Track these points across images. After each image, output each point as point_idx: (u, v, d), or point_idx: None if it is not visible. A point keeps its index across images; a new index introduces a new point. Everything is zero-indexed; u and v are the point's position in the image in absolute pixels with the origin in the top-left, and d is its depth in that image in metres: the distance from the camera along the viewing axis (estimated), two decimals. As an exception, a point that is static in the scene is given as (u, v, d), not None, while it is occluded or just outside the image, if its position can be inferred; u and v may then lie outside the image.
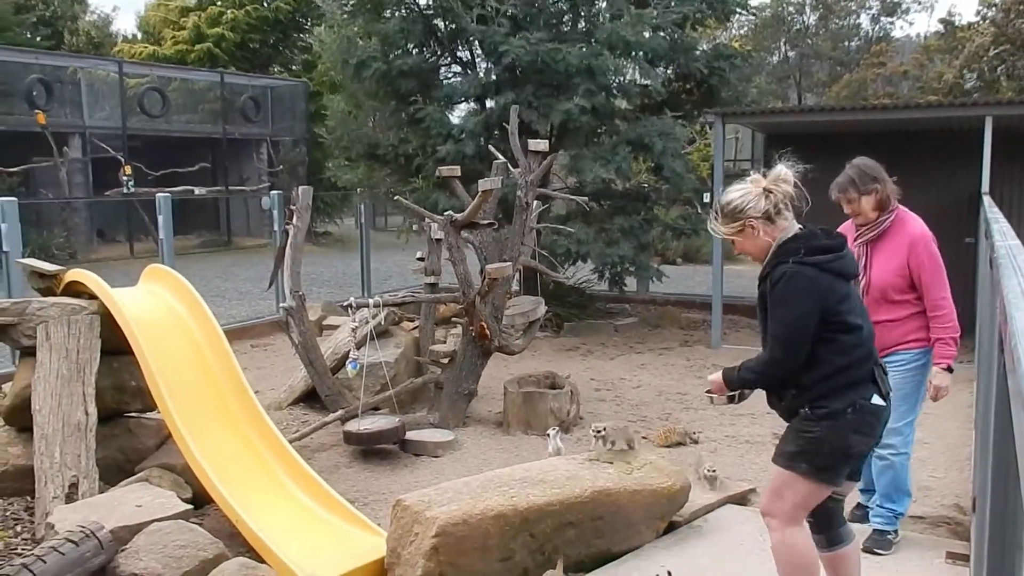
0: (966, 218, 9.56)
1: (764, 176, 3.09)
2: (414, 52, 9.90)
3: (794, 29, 32.11)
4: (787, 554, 3.08)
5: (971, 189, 9.25)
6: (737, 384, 3.17)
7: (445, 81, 10.35)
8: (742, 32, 31.03)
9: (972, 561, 3.65)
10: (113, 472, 4.77)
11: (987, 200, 6.77)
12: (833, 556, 3.24)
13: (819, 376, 2.95)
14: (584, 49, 8.82)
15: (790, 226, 3.05)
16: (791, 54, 32.98)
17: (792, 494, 3.02)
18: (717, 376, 3.24)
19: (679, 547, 4.11)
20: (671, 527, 4.31)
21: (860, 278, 3.94)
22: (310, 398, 6.72)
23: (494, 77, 9.26)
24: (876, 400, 2.97)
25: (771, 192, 3.03)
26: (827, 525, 3.21)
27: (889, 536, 4.13)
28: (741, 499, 4.82)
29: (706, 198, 12.38)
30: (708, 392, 3.29)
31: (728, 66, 10.23)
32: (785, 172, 3.07)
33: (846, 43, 32.80)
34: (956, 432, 6.21)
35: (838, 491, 3.15)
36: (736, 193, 3.08)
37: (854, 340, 2.96)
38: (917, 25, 66.30)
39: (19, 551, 4.08)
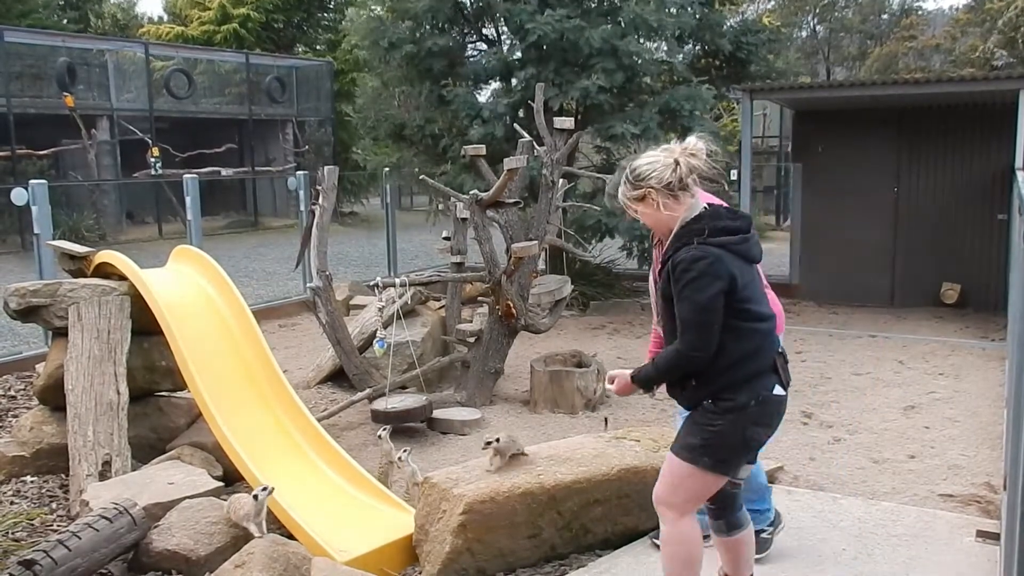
0: (999, 194, 9.42)
1: (677, 146, 2.90)
2: (444, 29, 9.85)
3: (822, 3, 31.62)
4: (679, 547, 2.96)
5: (1004, 164, 9.10)
6: (653, 383, 2.99)
7: (471, 59, 10.30)
8: (769, 6, 30.63)
9: (1003, 540, 3.62)
10: (145, 450, 4.84)
11: (1021, 176, 6.66)
12: (732, 541, 3.17)
13: (722, 366, 2.80)
14: (608, 28, 8.74)
15: (696, 204, 2.86)
16: (819, 28, 32.51)
17: (690, 486, 2.91)
18: (623, 377, 3.02)
19: (706, 525, 4.11)
20: (698, 505, 4.30)
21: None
22: (338, 377, 6.77)
23: (518, 54, 9.22)
24: (778, 391, 2.87)
25: (679, 164, 2.83)
26: (725, 511, 3.13)
27: (764, 535, 3.76)
28: (769, 477, 4.78)
29: (733, 175, 12.28)
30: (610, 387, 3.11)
31: (757, 40, 10.12)
32: (696, 144, 2.88)
33: (875, 17, 32.26)
34: (987, 410, 6.14)
35: (742, 476, 3.06)
36: (645, 159, 2.90)
37: (758, 328, 2.83)
38: (949, -3, 64.86)
39: (55, 527, 4.16)
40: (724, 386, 2.82)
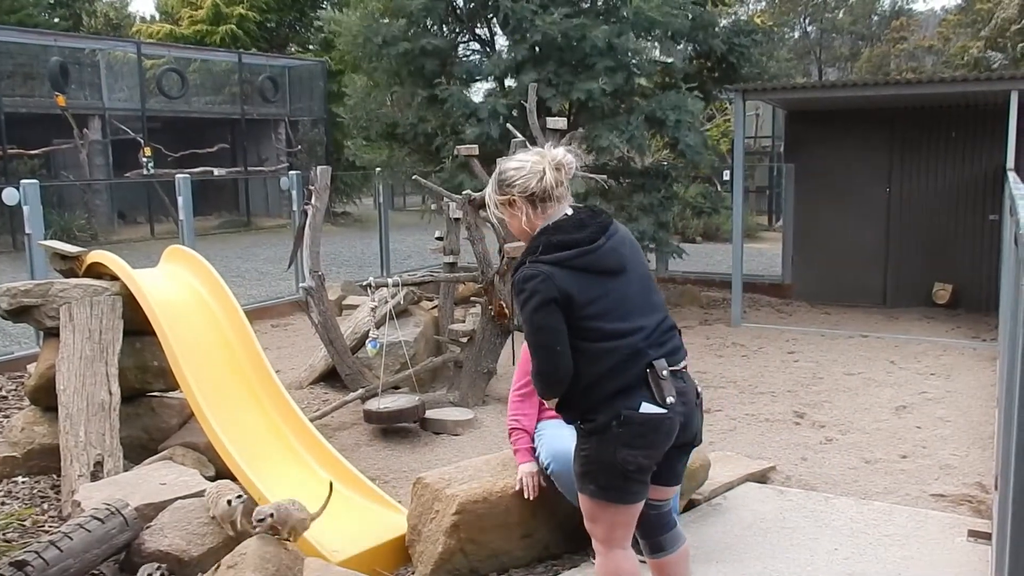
0: (990, 195, 9.46)
1: (552, 152, 2.80)
2: (435, 30, 9.83)
3: (813, 3, 31.70)
4: None
5: (996, 165, 9.14)
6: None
7: (464, 58, 10.28)
8: (760, 7, 30.70)
9: (994, 539, 3.63)
10: (137, 451, 4.83)
11: (1012, 176, 6.69)
12: (657, 563, 3.02)
13: (580, 387, 2.66)
14: (608, 27, 8.74)
15: (556, 214, 2.76)
16: (811, 29, 32.60)
17: (600, 516, 2.78)
18: None
19: (698, 524, 4.12)
20: (691, 505, 4.31)
21: None
22: (330, 377, 6.76)
23: (516, 56, 9.20)
24: (647, 408, 2.63)
25: (546, 175, 2.73)
26: (647, 532, 2.99)
27: None
28: (761, 477, 4.82)
29: (726, 176, 12.30)
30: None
31: (749, 42, 10.13)
32: (566, 158, 2.78)
33: (866, 18, 32.35)
34: (978, 410, 6.17)
35: (656, 498, 2.89)
36: (514, 163, 2.80)
37: (608, 347, 2.64)
38: (940, -2, 64.93)
39: (46, 528, 4.15)
40: (586, 408, 2.69)
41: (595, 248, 2.68)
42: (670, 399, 2.67)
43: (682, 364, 2.79)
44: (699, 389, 2.88)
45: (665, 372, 2.69)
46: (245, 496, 3.64)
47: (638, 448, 2.65)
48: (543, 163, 2.75)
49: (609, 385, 2.65)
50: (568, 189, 2.80)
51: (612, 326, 2.66)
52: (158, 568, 3.46)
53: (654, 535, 3.00)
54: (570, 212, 2.79)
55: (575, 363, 2.66)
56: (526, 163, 2.77)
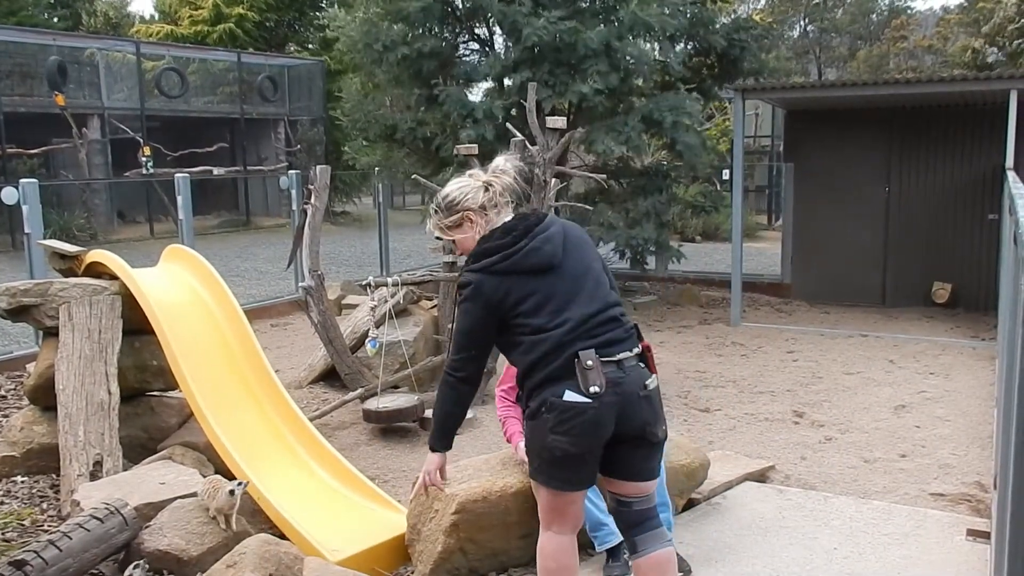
0: (989, 194, 9.46)
1: (484, 171, 3.06)
2: (434, 31, 9.83)
3: (812, 3, 31.71)
4: (538, 556, 3.05)
5: (995, 164, 9.15)
6: (440, 433, 3.21)
7: (463, 59, 10.28)
8: (760, 5, 30.71)
9: (993, 539, 3.63)
10: (136, 450, 4.82)
11: (1011, 175, 6.69)
12: (636, 563, 3.03)
13: (520, 375, 2.92)
14: (603, 29, 8.73)
15: (496, 223, 2.98)
16: (810, 28, 32.61)
17: (539, 495, 3.00)
18: (428, 461, 3.36)
19: (698, 524, 4.12)
20: (690, 504, 4.31)
21: None
22: (330, 377, 6.76)
23: (513, 56, 9.20)
24: (570, 396, 2.76)
25: (491, 185, 2.97)
26: (621, 528, 3.09)
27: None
28: (760, 476, 4.82)
29: (725, 175, 12.28)
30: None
31: (749, 38, 10.13)
32: (503, 164, 3.04)
33: (864, 18, 32.36)
34: (978, 410, 6.17)
35: (622, 494, 2.98)
36: (454, 186, 3.03)
37: (534, 340, 2.84)
38: (940, -3, 64.92)
39: (45, 527, 4.15)
40: (526, 394, 2.91)
41: (516, 251, 2.87)
42: (594, 388, 2.76)
43: (621, 355, 2.85)
44: (651, 383, 2.93)
45: (590, 362, 2.78)
46: (244, 482, 3.69)
47: (562, 434, 2.79)
48: (482, 177, 3.00)
49: (538, 375, 2.83)
50: (510, 197, 3.01)
51: (538, 321, 2.85)
52: (136, 566, 3.45)
53: (627, 534, 3.05)
54: (508, 219, 2.98)
55: (511, 354, 2.95)
56: (465, 182, 3.02)
